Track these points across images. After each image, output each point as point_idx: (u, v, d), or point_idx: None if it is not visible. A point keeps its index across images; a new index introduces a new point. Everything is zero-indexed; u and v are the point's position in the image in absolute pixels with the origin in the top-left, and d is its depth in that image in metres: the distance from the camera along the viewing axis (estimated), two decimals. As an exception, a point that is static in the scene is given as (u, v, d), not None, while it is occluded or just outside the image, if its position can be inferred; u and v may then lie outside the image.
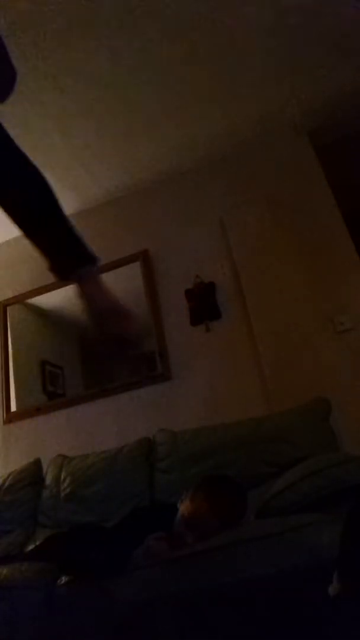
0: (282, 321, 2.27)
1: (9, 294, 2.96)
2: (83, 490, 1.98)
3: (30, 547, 1.84)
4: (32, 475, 2.16)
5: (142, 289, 2.66)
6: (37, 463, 2.23)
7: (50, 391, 2.73)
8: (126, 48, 2.04)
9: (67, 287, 3.11)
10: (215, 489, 1.42)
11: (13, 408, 2.65)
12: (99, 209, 3.02)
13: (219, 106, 2.49)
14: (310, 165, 2.60)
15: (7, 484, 2.14)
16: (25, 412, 2.62)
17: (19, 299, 2.93)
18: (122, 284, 2.78)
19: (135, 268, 2.73)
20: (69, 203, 2.95)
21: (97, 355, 2.68)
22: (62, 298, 2.86)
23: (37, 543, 1.78)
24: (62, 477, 2.07)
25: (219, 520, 1.29)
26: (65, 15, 1.84)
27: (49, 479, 2.12)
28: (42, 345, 2.95)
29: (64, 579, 1.20)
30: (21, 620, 1.11)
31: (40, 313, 2.94)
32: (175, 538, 1.27)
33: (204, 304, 2.48)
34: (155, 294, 2.64)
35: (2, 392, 2.70)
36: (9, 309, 2.93)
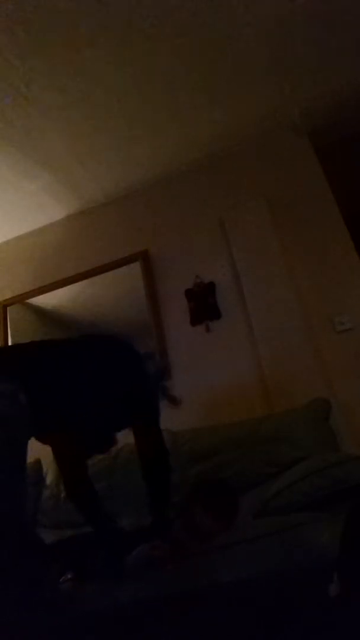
0: (282, 321, 2.26)
1: (8, 294, 2.96)
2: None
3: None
4: (32, 476, 2.16)
5: (142, 289, 2.66)
6: (38, 463, 2.23)
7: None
8: (126, 49, 2.04)
9: (67, 287, 3.12)
10: (210, 493, 1.46)
11: (13, 408, 2.64)
12: (99, 209, 3.02)
13: (219, 106, 2.49)
14: (310, 165, 2.61)
15: (7, 484, 2.14)
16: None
17: (19, 299, 2.93)
18: (122, 284, 2.79)
19: (135, 268, 2.73)
20: (69, 203, 2.96)
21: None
22: (62, 298, 2.86)
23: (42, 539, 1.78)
24: (62, 477, 2.07)
25: (217, 524, 1.31)
26: (66, 16, 1.84)
27: (49, 479, 2.12)
28: (42, 345, 2.95)
29: (68, 576, 1.21)
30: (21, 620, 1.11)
31: (40, 313, 2.93)
32: (174, 545, 1.27)
33: (204, 304, 2.48)
34: (155, 294, 2.64)
35: (2, 392, 2.70)
36: (9, 309, 2.93)
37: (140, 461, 1.43)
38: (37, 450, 2.36)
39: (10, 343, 2.84)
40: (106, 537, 1.38)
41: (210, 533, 1.29)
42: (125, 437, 2.18)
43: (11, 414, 1.13)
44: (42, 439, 1.44)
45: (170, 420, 2.16)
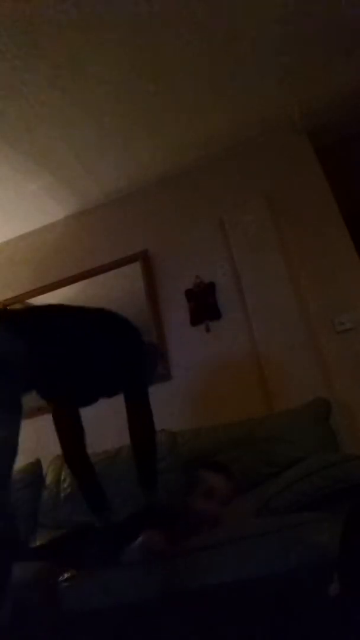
0: (282, 321, 2.26)
1: (9, 294, 2.96)
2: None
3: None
4: (32, 476, 2.16)
5: (142, 289, 2.66)
6: (37, 463, 2.23)
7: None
8: (126, 48, 2.04)
9: (67, 287, 3.12)
10: (216, 463, 1.56)
11: (13, 408, 2.64)
12: (99, 209, 3.02)
13: (219, 106, 2.49)
14: (310, 165, 2.60)
15: (7, 484, 2.14)
16: (25, 412, 2.61)
17: (19, 299, 2.93)
18: (122, 284, 2.79)
19: (135, 268, 2.73)
20: (69, 203, 2.96)
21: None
22: (62, 298, 2.86)
23: (38, 543, 1.78)
24: (62, 477, 2.07)
25: (234, 486, 1.42)
26: (66, 16, 1.84)
27: (49, 480, 2.12)
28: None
29: (66, 576, 1.21)
30: (21, 620, 1.11)
31: (40, 313, 2.93)
32: (192, 518, 1.34)
33: (204, 304, 2.48)
34: (155, 294, 2.64)
35: (2, 392, 2.70)
36: (9, 309, 2.93)
37: (130, 435, 1.55)
38: (37, 450, 2.38)
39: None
40: (93, 505, 1.52)
41: (228, 495, 1.39)
42: (123, 439, 2.19)
43: (9, 353, 1.20)
44: (45, 397, 1.57)
45: (170, 420, 2.17)
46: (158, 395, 2.38)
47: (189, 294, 2.54)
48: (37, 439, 2.50)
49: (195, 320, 2.48)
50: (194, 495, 1.41)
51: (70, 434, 1.61)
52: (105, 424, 2.42)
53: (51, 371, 1.38)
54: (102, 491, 1.56)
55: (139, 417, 1.54)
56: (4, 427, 1.16)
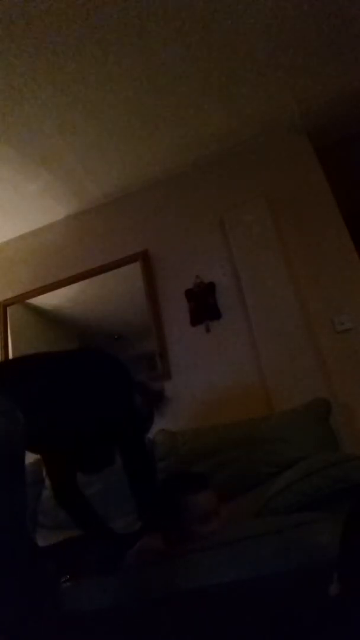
0: (282, 321, 2.27)
1: (9, 294, 2.96)
2: (83, 491, 1.97)
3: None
4: (32, 475, 2.16)
5: (142, 289, 2.66)
6: (37, 463, 2.22)
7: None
8: (126, 48, 2.04)
9: (67, 287, 3.11)
10: (196, 480, 1.45)
11: (13, 408, 2.64)
12: (99, 209, 3.02)
13: (219, 106, 2.49)
14: (310, 165, 2.61)
15: (7, 484, 2.14)
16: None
17: (19, 299, 2.93)
18: (122, 284, 2.79)
19: (135, 268, 2.73)
20: (69, 203, 2.96)
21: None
22: (62, 298, 2.87)
23: (37, 543, 1.78)
24: (62, 477, 2.06)
25: (217, 495, 1.35)
26: (66, 16, 1.84)
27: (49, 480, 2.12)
28: (42, 345, 2.95)
29: (67, 577, 1.21)
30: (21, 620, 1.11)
31: (40, 313, 2.94)
32: (186, 536, 1.28)
33: (204, 304, 2.48)
34: (155, 294, 2.64)
35: (2, 392, 2.70)
36: (9, 309, 2.93)
37: (127, 477, 1.45)
38: (37, 450, 2.36)
39: (10, 343, 2.84)
40: (100, 542, 1.41)
41: (220, 513, 1.32)
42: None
43: (12, 431, 1.15)
44: (33, 450, 1.49)
45: (170, 420, 2.17)
46: (158, 395, 2.39)
47: (189, 294, 2.54)
48: (37, 439, 2.50)
49: (195, 320, 2.48)
50: (187, 520, 1.32)
51: (61, 476, 1.55)
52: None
53: (47, 430, 1.32)
54: (97, 519, 1.49)
55: (136, 466, 1.45)
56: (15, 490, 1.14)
